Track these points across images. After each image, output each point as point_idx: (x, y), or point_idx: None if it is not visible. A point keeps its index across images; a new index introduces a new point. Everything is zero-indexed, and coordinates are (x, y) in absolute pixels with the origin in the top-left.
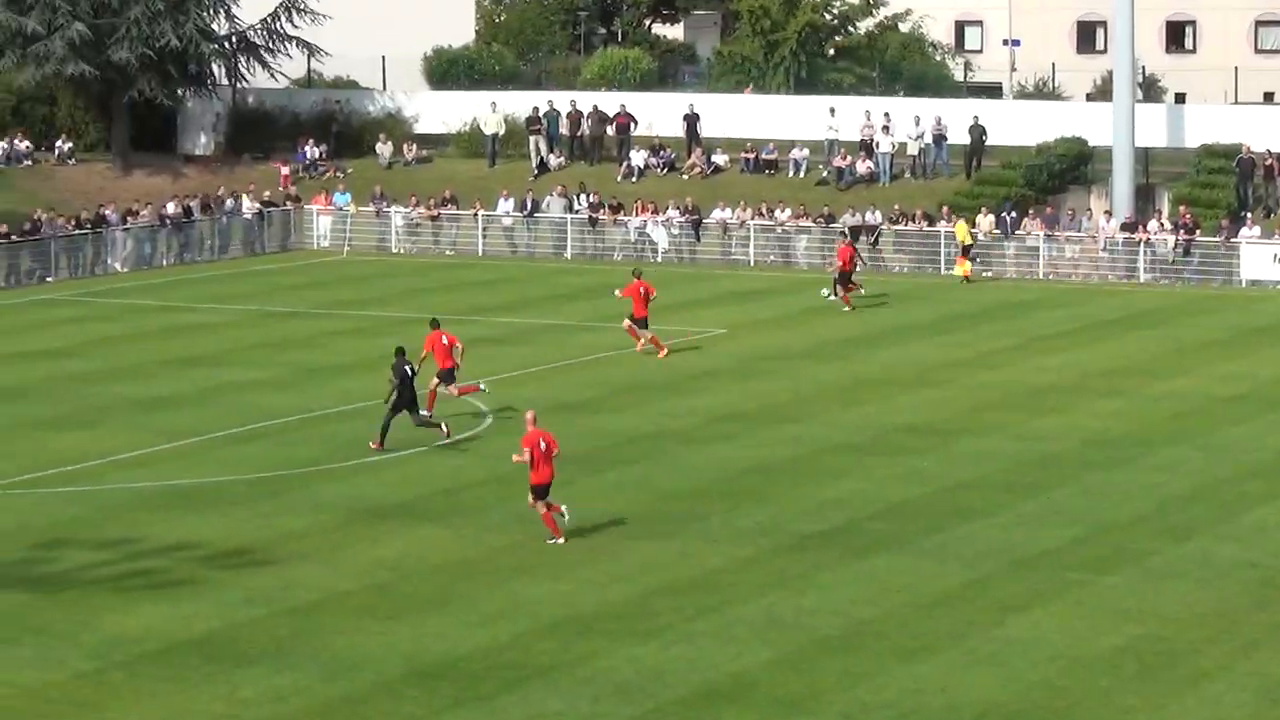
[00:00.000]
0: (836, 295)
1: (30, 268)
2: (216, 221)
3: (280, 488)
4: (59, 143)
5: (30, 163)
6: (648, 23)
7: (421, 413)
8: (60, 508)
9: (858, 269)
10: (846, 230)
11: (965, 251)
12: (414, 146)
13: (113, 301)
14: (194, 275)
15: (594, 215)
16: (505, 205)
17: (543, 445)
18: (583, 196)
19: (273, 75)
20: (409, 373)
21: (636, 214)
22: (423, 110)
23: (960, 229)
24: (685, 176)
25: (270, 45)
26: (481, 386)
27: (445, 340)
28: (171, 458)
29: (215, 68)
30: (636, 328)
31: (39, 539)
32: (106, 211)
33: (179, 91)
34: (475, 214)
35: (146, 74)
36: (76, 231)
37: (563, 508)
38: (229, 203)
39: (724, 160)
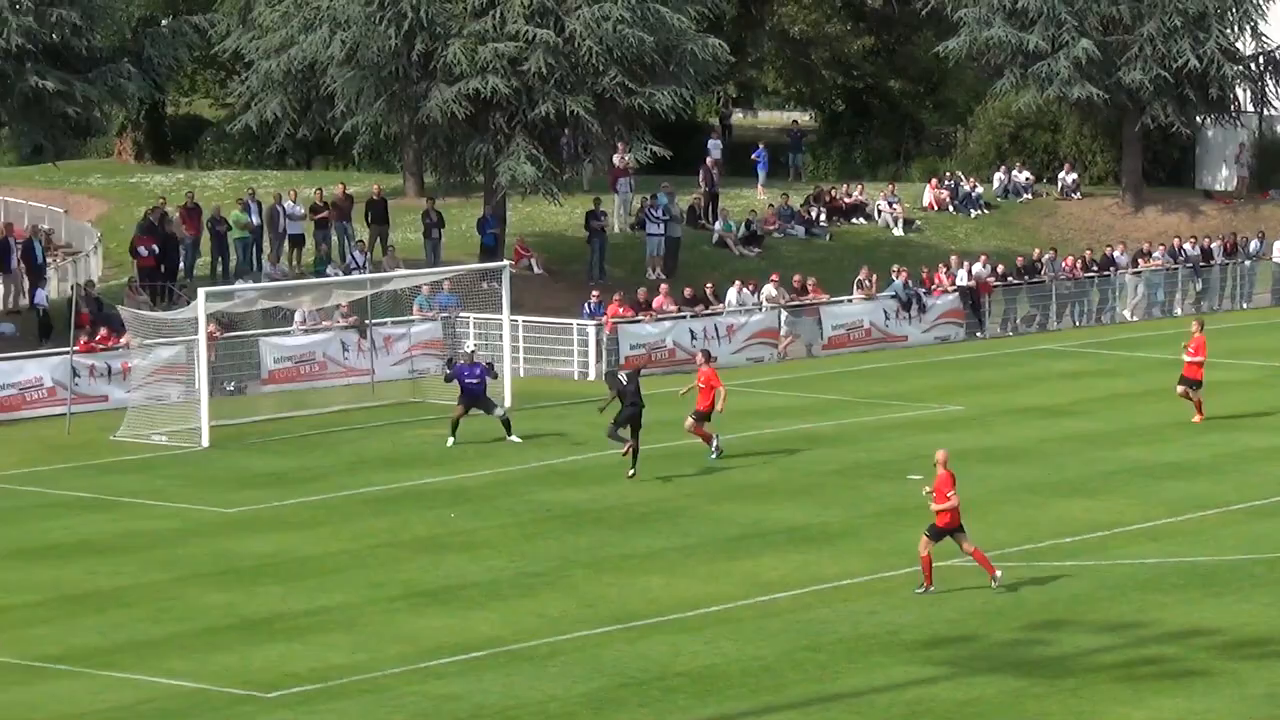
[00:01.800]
0: None
1: (1029, 314)
2: (1239, 265)
3: None
4: (1062, 174)
5: (1029, 196)
6: None
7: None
8: (1059, 583)
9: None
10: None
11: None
12: None
13: (1120, 354)
14: (1213, 326)
15: None
16: None
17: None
18: None
19: None
20: (624, 382)
21: None
22: None
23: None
24: None
25: None
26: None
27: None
28: (1184, 531)
29: (1240, 92)
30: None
31: (1035, 617)
32: (1115, 252)
33: (1198, 118)
34: None
35: (1161, 98)
36: (1082, 274)
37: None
38: (1253, 244)
39: None
